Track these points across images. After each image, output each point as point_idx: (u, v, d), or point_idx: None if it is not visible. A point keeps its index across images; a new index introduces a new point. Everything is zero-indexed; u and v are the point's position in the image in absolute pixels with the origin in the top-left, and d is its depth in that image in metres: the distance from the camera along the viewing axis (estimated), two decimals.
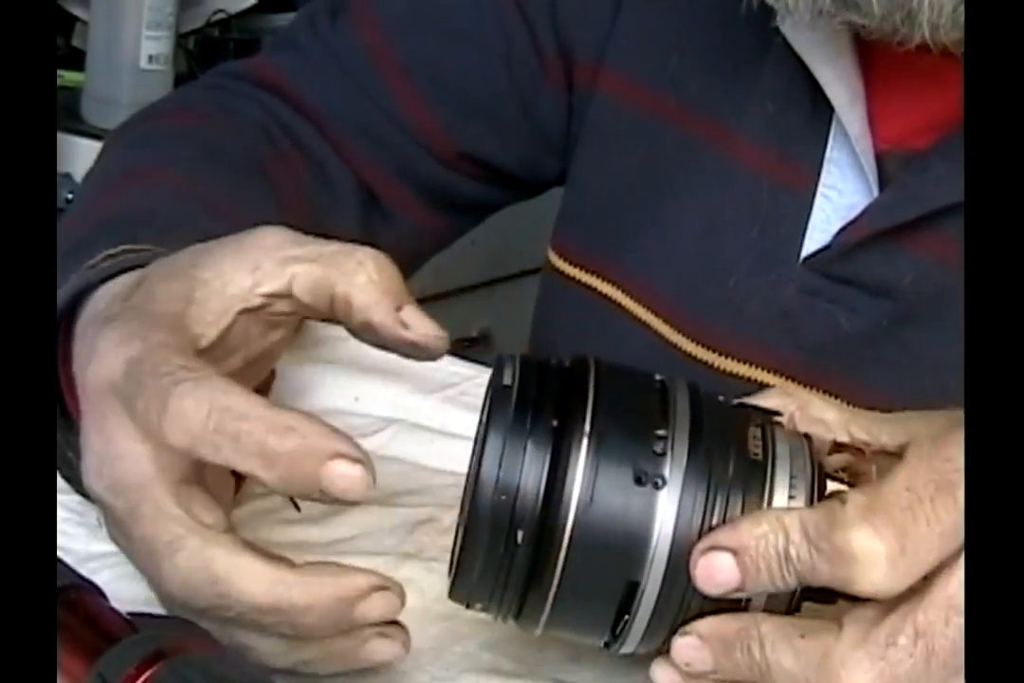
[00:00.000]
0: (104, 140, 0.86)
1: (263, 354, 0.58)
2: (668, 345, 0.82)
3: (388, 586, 0.50)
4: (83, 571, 0.54)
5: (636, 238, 0.84)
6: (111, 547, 0.60)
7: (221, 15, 1.80)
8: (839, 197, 0.77)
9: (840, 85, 0.75)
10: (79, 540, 0.60)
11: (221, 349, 0.55)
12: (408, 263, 0.57)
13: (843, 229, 0.76)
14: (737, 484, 0.49)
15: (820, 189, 0.77)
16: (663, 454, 0.49)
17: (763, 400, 0.54)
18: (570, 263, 0.89)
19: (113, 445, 0.51)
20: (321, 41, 0.89)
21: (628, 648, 0.51)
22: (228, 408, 0.49)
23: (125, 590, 0.56)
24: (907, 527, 0.47)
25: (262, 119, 0.85)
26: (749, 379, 0.78)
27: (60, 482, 0.61)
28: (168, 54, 1.69)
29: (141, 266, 0.58)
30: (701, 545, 0.49)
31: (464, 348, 0.89)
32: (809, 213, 0.78)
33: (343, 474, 0.48)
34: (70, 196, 1.63)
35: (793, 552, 0.48)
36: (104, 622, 0.50)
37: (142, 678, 0.47)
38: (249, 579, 0.49)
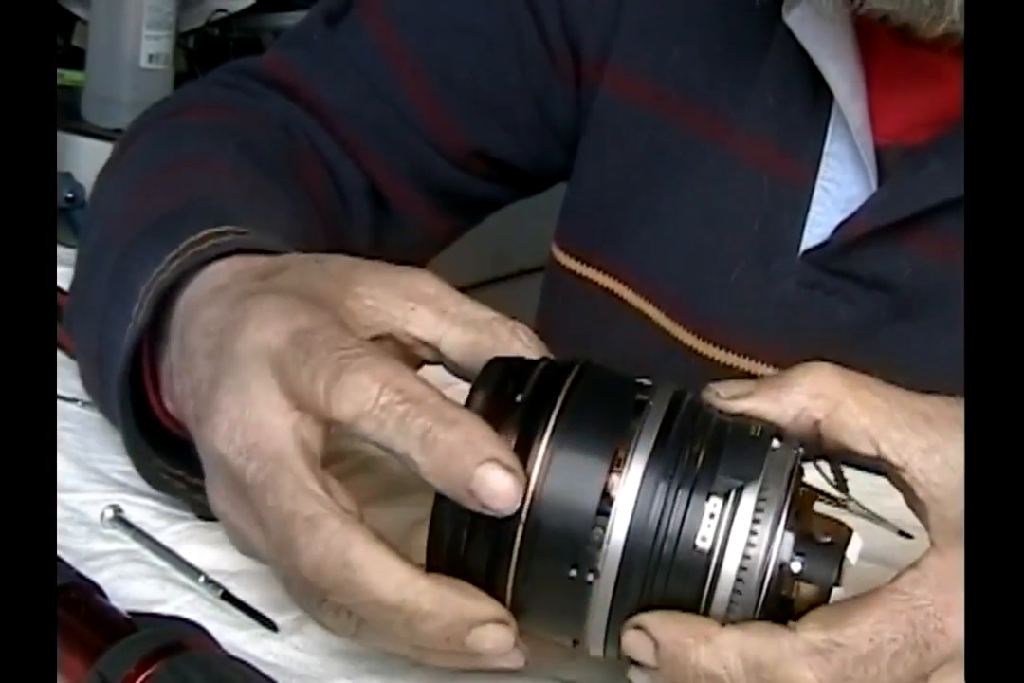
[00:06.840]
0: (128, 129, 0.84)
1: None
2: (670, 339, 0.82)
3: (508, 621, 0.49)
4: (83, 570, 0.54)
5: (637, 232, 0.85)
6: (111, 546, 0.60)
7: (221, 14, 1.80)
8: (838, 190, 0.77)
9: (844, 79, 0.75)
10: (79, 539, 0.60)
11: None
12: (415, 265, 0.57)
13: (842, 224, 0.76)
14: (703, 486, 0.48)
15: (819, 182, 0.78)
16: (624, 454, 0.49)
17: (788, 397, 0.51)
18: (572, 257, 0.89)
19: (253, 412, 0.51)
20: (334, 40, 0.88)
21: (596, 649, 0.51)
22: (402, 389, 0.49)
23: (125, 589, 0.56)
24: (856, 678, 0.47)
25: (282, 120, 0.85)
26: (749, 373, 0.78)
27: (59, 481, 0.61)
28: (168, 53, 1.69)
29: (245, 250, 0.59)
30: (633, 620, 0.49)
31: None
32: (808, 206, 0.78)
33: (496, 477, 0.48)
34: (70, 195, 1.63)
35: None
36: (104, 621, 0.50)
37: (142, 677, 0.47)
38: (381, 573, 0.48)
